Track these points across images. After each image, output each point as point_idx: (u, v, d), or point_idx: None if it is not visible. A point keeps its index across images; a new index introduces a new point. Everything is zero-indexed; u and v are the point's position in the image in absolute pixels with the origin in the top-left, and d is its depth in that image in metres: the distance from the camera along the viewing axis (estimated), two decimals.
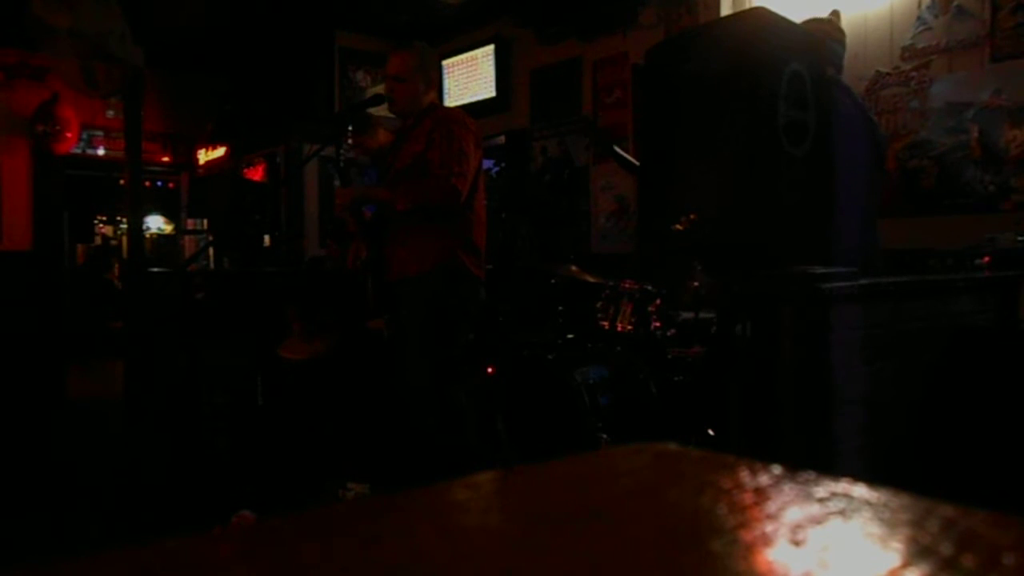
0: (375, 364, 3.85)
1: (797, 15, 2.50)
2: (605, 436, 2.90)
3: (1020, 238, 2.96)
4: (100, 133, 6.70)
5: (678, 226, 1.90)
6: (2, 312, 5.80)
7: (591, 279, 3.40)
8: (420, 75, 2.96)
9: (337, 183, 3.66)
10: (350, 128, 3.88)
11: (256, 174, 6.53)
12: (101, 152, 6.75)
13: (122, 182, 5.81)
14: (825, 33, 2.63)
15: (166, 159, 7.25)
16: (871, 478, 0.39)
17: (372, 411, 3.73)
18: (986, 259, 2.85)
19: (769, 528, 0.34)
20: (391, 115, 3.77)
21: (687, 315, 3.17)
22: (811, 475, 0.40)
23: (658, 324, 3.13)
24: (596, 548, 0.33)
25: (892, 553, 0.31)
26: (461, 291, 2.89)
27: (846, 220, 2.53)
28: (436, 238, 2.84)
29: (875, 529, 0.34)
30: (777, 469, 0.42)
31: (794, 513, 0.36)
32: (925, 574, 0.29)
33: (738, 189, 1.88)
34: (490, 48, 5.96)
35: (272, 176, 6.31)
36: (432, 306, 2.82)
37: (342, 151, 3.76)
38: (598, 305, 3.32)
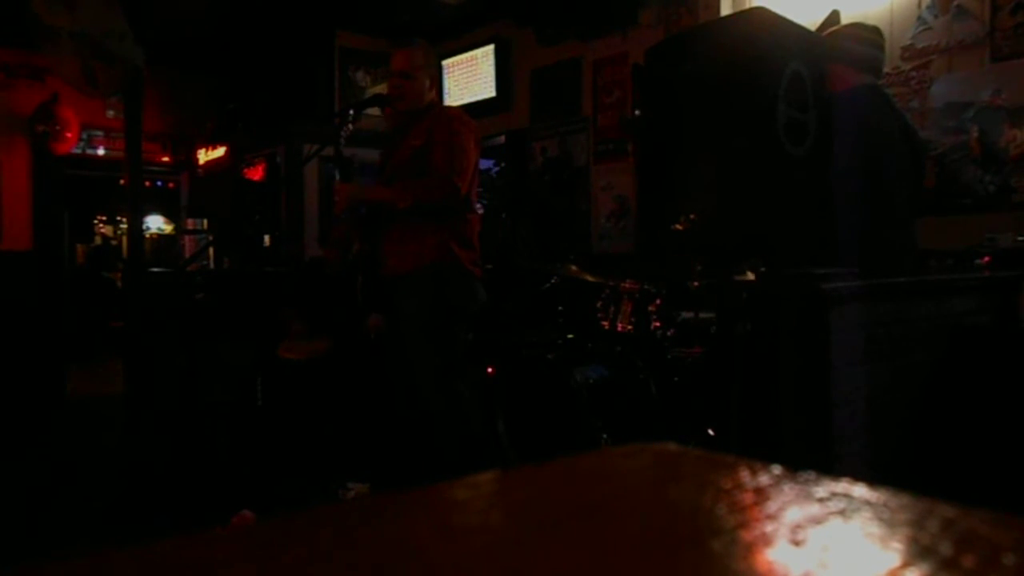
0: (374, 364, 3.85)
1: (797, 15, 2.49)
2: (605, 436, 2.90)
3: (1020, 238, 2.96)
4: (100, 133, 6.70)
5: (678, 226, 1.90)
6: (2, 312, 5.80)
7: (591, 279, 3.40)
8: (425, 71, 2.96)
9: (337, 178, 3.49)
10: (337, 174, 3.79)
11: (256, 174, 6.53)
12: (101, 152, 6.75)
13: (122, 182, 5.81)
14: (870, 42, 2.59)
15: (166, 159, 7.25)
16: (871, 478, 0.39)
17: (372, 411, 3.73)
18: (986, 259, 2.85)
19: (769, 528, 0.34)
20: (388, 116, 3.71)
21: (687, 315, 3.17)
22: (811, 475, 0.40)
23: (658, 324, 3.13)
24: (596, 548, 0.33)
25: (892, 553, 0.31)
26: (457, 288, 2.86)
27: (901, 224, 2.54)
28: (432, 235, 2.82)
29: (875, 529, 0.34)
30: (777, 469, 0.42)
31: (794, 513, 0.36)
32: (925, 574, 0.29)
33: (738, 189, 1.88)
34: (490, 48, 5.95)
35: (272, 176, 6.30)
36: (428, 303, 2.80)
37: (343, 138, 3.62)
38: (598, 305, 3.32)
